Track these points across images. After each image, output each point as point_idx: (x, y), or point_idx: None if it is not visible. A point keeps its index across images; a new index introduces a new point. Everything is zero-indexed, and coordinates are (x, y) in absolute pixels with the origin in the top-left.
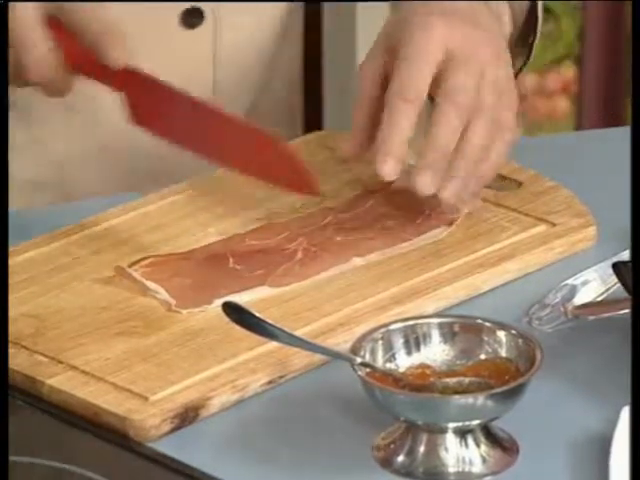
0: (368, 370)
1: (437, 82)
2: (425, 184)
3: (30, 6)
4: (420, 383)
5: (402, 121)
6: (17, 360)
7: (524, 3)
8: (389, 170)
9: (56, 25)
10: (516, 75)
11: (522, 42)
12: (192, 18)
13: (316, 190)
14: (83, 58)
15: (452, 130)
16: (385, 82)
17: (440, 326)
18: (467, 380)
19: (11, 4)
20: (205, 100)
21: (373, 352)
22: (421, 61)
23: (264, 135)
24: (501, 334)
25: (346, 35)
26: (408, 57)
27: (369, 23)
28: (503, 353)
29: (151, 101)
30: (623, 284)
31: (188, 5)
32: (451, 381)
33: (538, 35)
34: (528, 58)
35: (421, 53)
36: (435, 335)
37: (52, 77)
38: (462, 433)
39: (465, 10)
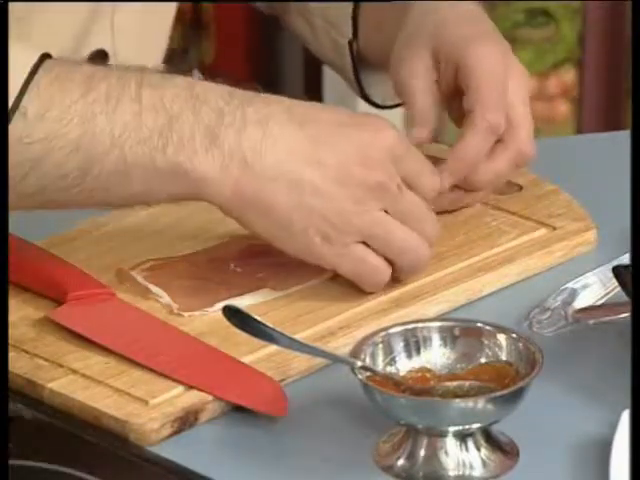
0: (368, 374)
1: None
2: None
3: None
4: (420, 387)
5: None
6: (18, 364)
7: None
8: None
9: None
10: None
11: None
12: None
13: (282, 412)
14: None
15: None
16: (434, 84)
17: (440, 330)
18: (467, 384)
19: None
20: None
21: (373, 356)
22: (497, 95)
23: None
24: (501, 338)
25: None
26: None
27: None
28: (503, 357)
29: None
30: (623, 288)
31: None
32: (451, 385)
33: None
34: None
35: (495, 86)
36: (435, 339)
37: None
38: (462, 437)
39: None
